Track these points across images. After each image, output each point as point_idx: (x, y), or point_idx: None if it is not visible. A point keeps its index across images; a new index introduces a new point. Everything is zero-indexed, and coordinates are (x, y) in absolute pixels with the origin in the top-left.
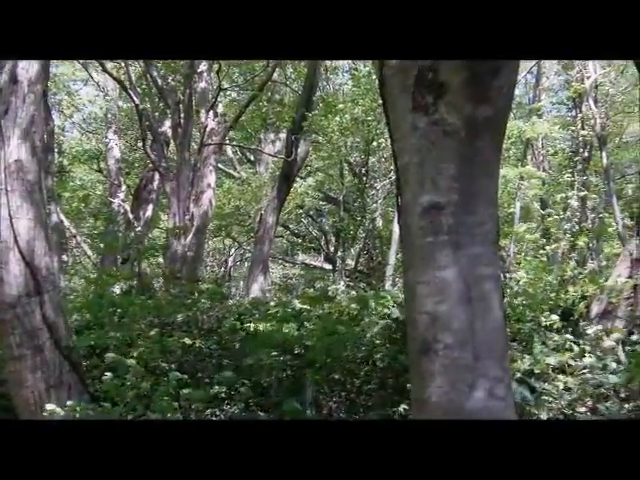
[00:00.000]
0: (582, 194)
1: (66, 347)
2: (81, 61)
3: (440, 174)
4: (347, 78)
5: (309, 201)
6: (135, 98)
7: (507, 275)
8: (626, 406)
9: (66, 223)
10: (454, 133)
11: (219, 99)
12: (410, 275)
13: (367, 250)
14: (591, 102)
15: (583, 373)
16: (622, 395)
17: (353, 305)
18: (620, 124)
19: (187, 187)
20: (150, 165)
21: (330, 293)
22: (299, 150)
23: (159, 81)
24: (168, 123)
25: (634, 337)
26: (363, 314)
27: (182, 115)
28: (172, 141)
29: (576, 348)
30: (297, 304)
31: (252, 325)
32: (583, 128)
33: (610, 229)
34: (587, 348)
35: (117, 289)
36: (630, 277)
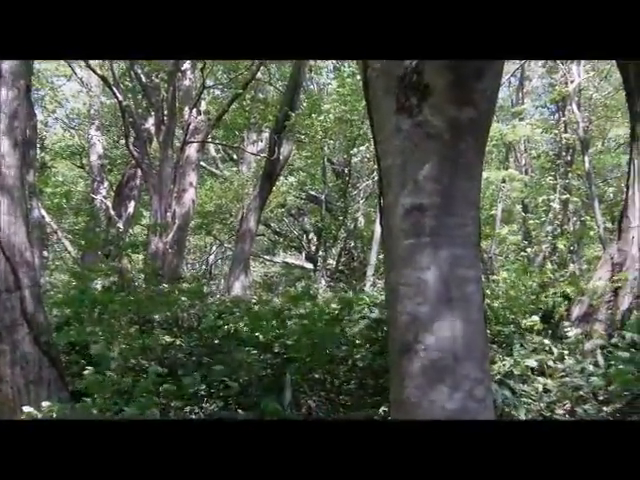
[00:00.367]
0: (564, 197)
1: (45, 343)
2: None
3: (423, 176)
4: (331, 78)
5: (291, 200)
6: (119, 95)
7: (489, 277)
8: (605, 409)
9: (47, 219)
10: (437, 135)
11: (203, 97)
12: (392, 276)
13: (348, 250)
14: (574, 106)
15: (562, 376)
16: (601, 398)
17: (333, 305)
18: (603, 128)
19: (169, 185)
20: (133, 162)
21: (311, 292)
22: (282, 149)
23: (143, 78)
24: (151, 120)
25: (614, 340)
26: (343, 314)
27: (165, 112)
28: (155, 138)
29: (556, 350)
30: (278, 302)
31: (232, 324)
32: (566, 131)
33: (591, 232)
34: (566, 351)
35: (98, 285)
36: (611, 280)
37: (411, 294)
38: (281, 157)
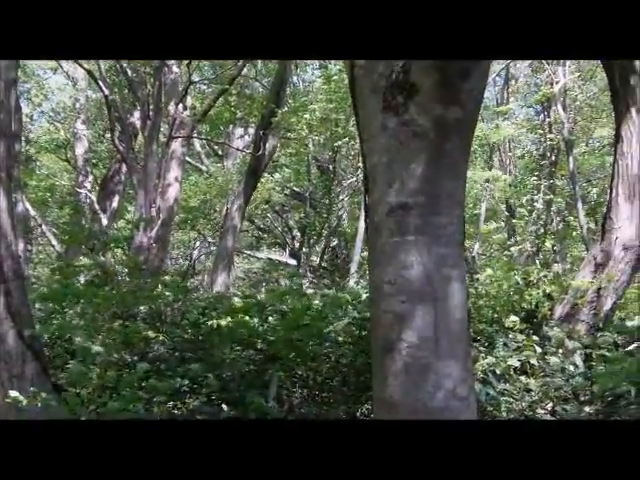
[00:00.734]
0: (548, 197)
1: (29, 336)
2: None
3: (408, 175)
4: (317, 75)
5: (276, 196)
6: (104, 89)
7: (472, 276)
8: (586, 409)
9: (32, 212)
10: (423, 134)
11: (188, 92)
12: (376, 274)
13: (332, 247)
14: (559, 106)
15: (544, 375)
16: (582, 398)
17: (316, 301)
18: (587, 129)
19: (154, 179)
20: (118, 156)
21: (295, 288)
22: (267, 145)
23: (129, 72)
24: (137, 115)
25: (596, 341)
26: (326, 311)
27: (151, 107)
28: (140, 133)
29: (538, 350)
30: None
31: (215, 320)
32: (551, 132)
33: (574, 233)
34: (549, 350)
35: (81, 279)
36: (593, 281)
37: (395, 292)
38: (266, 153)
